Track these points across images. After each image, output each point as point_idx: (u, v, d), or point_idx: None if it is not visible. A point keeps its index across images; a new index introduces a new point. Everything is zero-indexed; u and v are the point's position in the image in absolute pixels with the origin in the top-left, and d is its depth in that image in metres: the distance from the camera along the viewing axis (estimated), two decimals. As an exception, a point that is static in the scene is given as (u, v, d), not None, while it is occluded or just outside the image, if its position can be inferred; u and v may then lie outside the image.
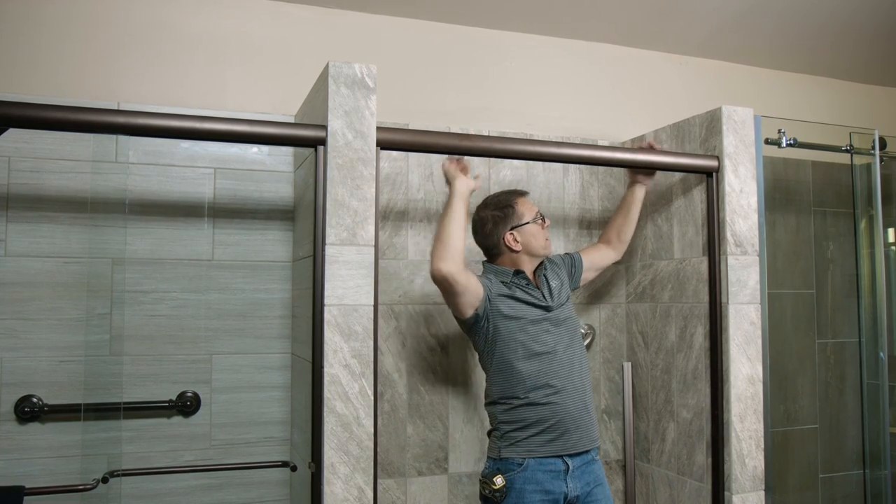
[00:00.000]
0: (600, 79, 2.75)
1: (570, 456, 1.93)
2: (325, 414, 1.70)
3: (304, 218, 2.04)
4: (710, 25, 2.65)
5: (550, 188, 2.55)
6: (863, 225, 2.76)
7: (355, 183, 1.77)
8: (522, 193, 2.11)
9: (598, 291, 2.59)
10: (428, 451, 2.32)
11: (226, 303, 2.16)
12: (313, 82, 2.02)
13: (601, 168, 2.60)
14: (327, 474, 1.69)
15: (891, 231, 2.84)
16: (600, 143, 2.63)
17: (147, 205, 2.11)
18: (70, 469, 1.99)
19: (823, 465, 2.81)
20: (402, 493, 2.27)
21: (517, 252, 2.04)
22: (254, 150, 2.22)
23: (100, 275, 2.05)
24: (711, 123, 2.22)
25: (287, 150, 2.24)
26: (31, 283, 1.99)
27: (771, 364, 2.28)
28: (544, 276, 2.07)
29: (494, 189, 2.35)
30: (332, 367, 1.72)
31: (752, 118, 2.22)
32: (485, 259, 2.10)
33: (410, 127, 2.22)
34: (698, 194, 2.25)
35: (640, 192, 2.28)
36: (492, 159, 2.44)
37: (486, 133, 2.45)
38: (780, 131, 2.47)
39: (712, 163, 2.17)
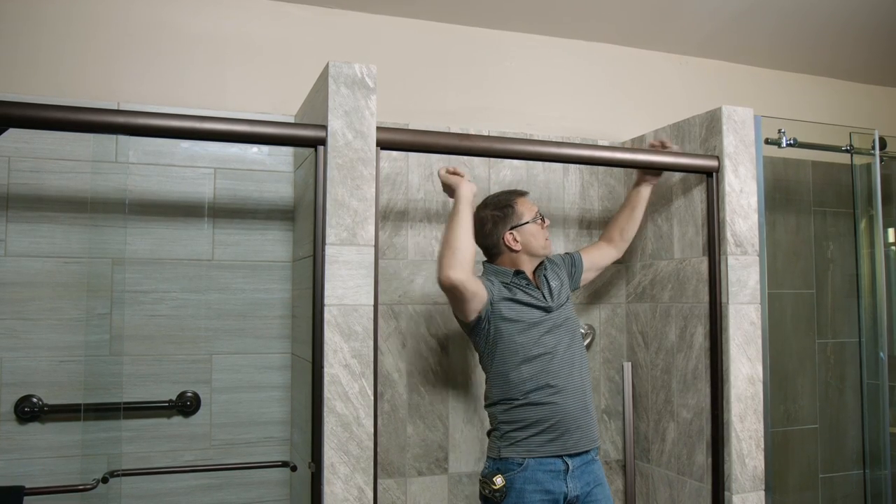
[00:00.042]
0: (600, 79, 2.75)
1: (570, 456, 1.93)
2: (325, 414, 1.70)
3: (304, 218, 2.04)
4: (710, 25, 2.65)
5: (550, 188, 2.55)
6: (863, 225, 2.76)
7: (355, 183, 1.77)
8: (522, 193, 2.11)
9: (598, 291, 2.59)
10: (428, 451, 2.32)
11: (226, 303, 2.16)
12: (313, 82, 2.02)
13: (601, 168, 2.60)
14: (327, 474, 1.69)
15: (891, 231, 2.84)
16: (600, 143, 2.63)
17: (147, 205, 2.11)
18: (70, 469, 1.99)
19: (823, 465, 2.81)
20: (402, 493, 2.27)
21: (517, 252, 2.04)
22: (254, 150, 2.22)
23: (100, 275, 2.05)
24: (711, 123, 2.22)
25: (287, 150, 2.25)
26: (31, 283, 1.99)
27: (771, 364, 2.28)
28: (544, 276, 2.07)
29: (494, 189, 2.35)
30: (332, 367, 1.72)
31: (752, 118, 2.22)
32: (485, 259, 2.10)
33: (410, 127, 2.22)
34: (698, 194, 2.25)
35: (645, 192, 2.28)
36: (492, 159, 2.44)
37: (486, 133, 2.45)
38: (780, 131, 2.47)
39: (712, 163, 2.17)
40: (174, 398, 2.09)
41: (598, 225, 2.59)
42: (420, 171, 2.37)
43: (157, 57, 2.20)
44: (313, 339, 1.74)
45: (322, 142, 1.77)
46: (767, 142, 2.39)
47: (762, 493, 2.13)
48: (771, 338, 2.27)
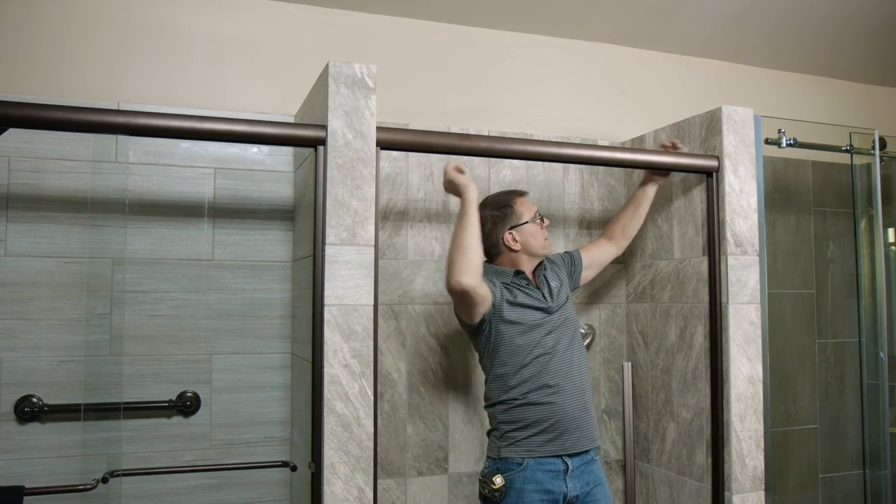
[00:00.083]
0: (600, 79, 2.75)
1: (570, 456, 1.93)
2: (325, 414, 1.70)
3: (304, 218, 2.04)
4: (710, 25, 2.65)
5: (550, 188, 2.55)
6: (863, 225, 2.76)
7: (355, 183, 1.77)
8: (521, 193, 2.11)
9: (598, 291, 2.59)
10: (428, 451, 2.32)
11: (226, 303, 2.16)
12: (313, 82, 2.02)
13: (601, 168, 2.60)
14: (327, 474, 1.69)
15: (891, 231, 2.84)
16: (600, 143, 2.63)
17: (147, 205, 2.11)
18: (70, 469, 1.99)
19: (823, 465, 2.81)
20: (402, 493, 2.27)
21: (516, 252, 2.04)
22: (254, 150, 2.22)
23: (100, 275, 2.05)
24: (711, 123, 2.22)
25: (287, 150, 2.25)
26: (31, 283, 1.99)
27: (771, 364, 2.28)
28: (544, 276, 2.07)
29: (494, 189, 2.35)
30: (332, 367, 1.72)
31: (752, 118, 2.22)
32: (484, 259, 2.10)
33: (410, 127, 2.22)
34: (698, 194, 2.25)
35: (651, 191, 2.28)
36: (492, 159, 2.44)
37: (486, 133, 2.45)
38: (780, 131, 2.47)
39: (712, 163, 2.17)
40: (174, 398, 2.09)
41: (598, 225, 2.59)
42: (420, 171, 2.37)
43: (157, 57, 2.20)
44: (313, 339, 1.74)
45: (322, 142, 1.77)
46: (767, 142, 2.40)
47: (762, 493, 2.13)
48: (771, 338, 2.27)
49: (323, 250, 1.74)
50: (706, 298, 2.19)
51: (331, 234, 1.74)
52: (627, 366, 2.55)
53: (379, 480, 2.08)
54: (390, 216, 2.33)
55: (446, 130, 2.34)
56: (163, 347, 2.09)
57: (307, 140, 1.77)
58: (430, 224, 2.37)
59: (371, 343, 1.76)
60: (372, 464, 1.74)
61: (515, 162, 2.48)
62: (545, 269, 2.09)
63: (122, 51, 2.17)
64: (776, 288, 2.75)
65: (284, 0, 2.35)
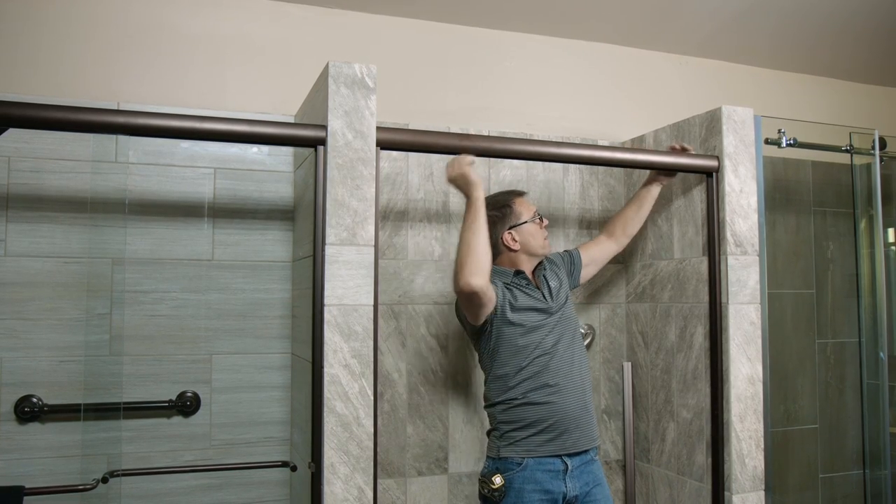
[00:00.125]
0: (600, 79, 2.75)
1: (569, 455, 1.93)
2: (325, 414, 1.70)
3: (304, 218, 2.04)
4: (710, 25, 2.66)
5: (550, 188, 2.55)
6: (863, 225, 2.76)
7: (355, 183, 1.77)
8: (520, 193, 2.11)
9: (598, 291, 2.59)
10: (428, 451, 2.32)
11: (226, 303, 2.16)
12: (313, 82, 2.02)
13: (601, 168, 2.60)
14: (327, 474, 1.70)
15: (891, 231, 2.84)
16: (600, 143, 2.63)
17: (147, 205, 2.11)
18: (70, 469, 1.99)
19: (823, 465, 2.81)
20: (402, 493, 2.27)
21: (515, 252, 2.04)
22: (254, 150, 2.22)
23: (100, 275, 2.05)
24: (711, 123, 2.22)
25: (287, 150, 2.25)
26: (31, 283, 1.99)
27: (771, 364, 2.28)
28: (543, 276, 2.07)
29: (494, 189, 2.35)
30: (332, 367, 1.72)
31: (752, 118, 2.22)
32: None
33: (410, 127, 2.22)
34: (698, 194, 2.25)
35: (655, 191, 2.28)
36: (492, 159, 2.44)
37: (486, 133, 2.45)
38: (780, 131, 2.47)
39: (712, 163, 2.17)
40: (174, 398, 2.09)
41: (597, 225, 2.58)
42: (420, 171, 2.37)
43: (157, 57, 2.20)
44: (313, 339, 1.74)
45: (322, 142, 1.77)
46: (767, 142, 2.40)
47: (762, 493, 2.13)
48: (771, 338, 2.27)
49: (323, 250, 1.74)
50: (706, 298, 2.19)
51: (331, 234, 1.74)
52: (627, 366, 2.55)
53: (379, 480, 2.08)
54: (390, 216, 2.33)
55: (446, 130, 2.34)
56: (163, 347, 2.09)
57: (307, 140, 1.77)
58: (430, 224, 2.37)
59: (371, 343, 1.76)
60: (372, 464, 1.74)
61: (515, 162, 2.48)
62: (545, 268, 2.09)
63: (122, 51, 2.17)
64: (776, 288, 2.75)
65: (284, 0, 2.35)
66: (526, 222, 2.04)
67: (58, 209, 2.02)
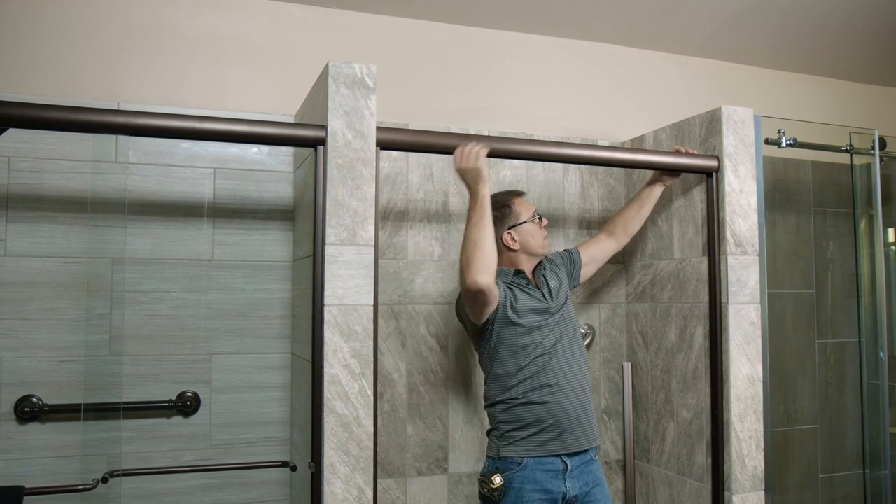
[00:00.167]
0: (600, 79, 2.75)
1: (569, 455, 1.93)
2: (325, 414, 1.71)
3: (304, 218, 2.04)
4: (710, 25, 2.66)
5: (550, 188, 2.55)
6: (863, 225, 2.76)
7: (355, 183, 1.77)
8: (519, 193, 2.11)
9: (598, 291, 2.59)
10: (428, 451, 2.32)
11: (226, 303, 2.16)
12: (313, 82, 2.02)
13: (601, 168, 2.60)
14: (327, 474, 1.70)
15: (891, 231, 2.84)
16: (600, 143, 2.63)
17: (147, 205, 2.11)
18: (70, 469, 1.99)
19: (823, 465, 2.81)
20: (402, 493, 2.27)
21: (515, 251, 2.04)
22: (254, 150, 2.22)
23: (100, 275, 2.05)
24: (711, 123, 2.22)
25: (287, 150, 2.25)
26: (31, 283, 1.99)
27: (771, 364, 2.28)
28: (543, 276, 2.07)
29: (494, 189, 2.34)
30: (332, 367, 1.72)
31: (752, 118, 2.22)
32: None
33: (410, 127, 2.22)
34: (698, 194, 2.25)
35: (658, 191, 2.28)
36: (492, 159, 2.42)
37: (486, 133, 2.45)
38: (780, 131, 2.47)
39: (712, 163, 2.17)
40: (174, 398, 2.09)
41: (597, 225, 2.58)
42: (420, 171, 2.37)
43: (157, 57, 2.20)
44: (313, 339, 1.74)
45: (322, 142, 1.77)
46: (767, 142, 2.40)
47: (762, 493, 2.13)
48: (771, 338, 2.27)
49: (323, 250, 1.74)
50: (706, 298, 2.19)
51: (331, 234, 1.74)
52: (627, 366, 2.55)
53: (379, 480, 2.08)
54: (390, 216, 2.33)
55: (446, 130, 2.34)
56: (163, 347, 2.09)
57: (307, 140, 1.77)
58: (430, 224, 2.37)
59: (371, 343, 1.76)
60: (372, 464, 1.74)
61: (515, 162, 2.48)
62: (544, 268, 2.09)
63: (122, 51, 2.17)
64: (776, 288, 2.75)
65: (284, 0, 2.35)
66: (525, 222, 2.04)
67: (58, 209, 2.02)
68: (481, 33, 2.59)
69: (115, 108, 2.07)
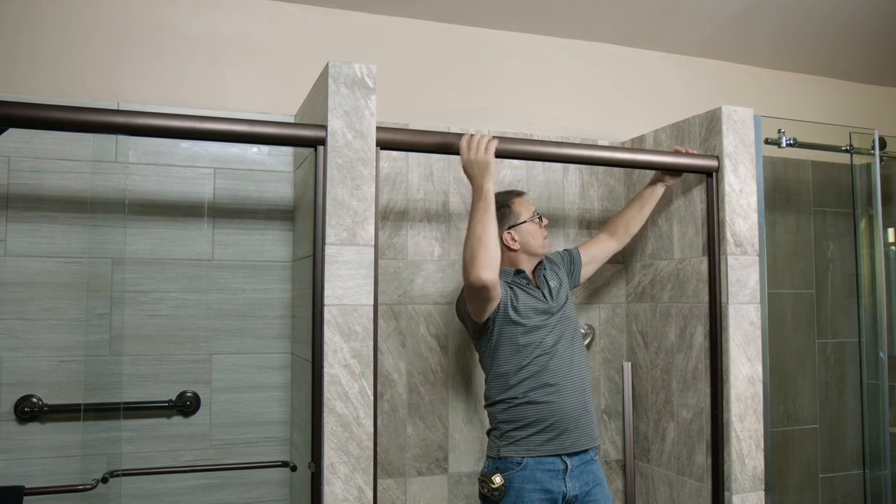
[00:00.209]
0: (600, 79, 2.75)
1: (569, 455, 1.93)
2: (325, 414, 1.71)
3: (304, 218, 2.04)
4: (710, 25, 2.66)
5: (550, 188, 2.55)
6: (863, 225, 2.76)
7: (355, 183, 1.77)
8: (519, 193, 2.12)
9: (598, 291, 2.59)
10: (428, 451, 2.32)
11: (226, 303, 2.16)
12: (313, 82, 2.02)
13: (601, 168, 2.60)
14: (327, 474, 1.70)
15: (891, 231, 2.84)
16: (600, 143, 2.63)
17: (147, 205, 2.11)
18: (70, 469, 1.99)
19: (823, 465, 2.81)
20: (402, 493, 2.27)
21: (515, 251, 2.04)
22: (254, 150, 2.22)
23: (100, 275, 2.05)
24: (711, 123, 2.22)
25: (287, 150, 2.25)
26: (31, 283, 1.99)
27: (771, 364, 2.28)
28: (543, 275, 2.07)
29: (494, 189, 2.35)
30: (332, 367, 1.72)
31: (752, 118, 2.22)
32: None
33: (410, 127, 2.22)
34: (698, 194, 2.25)
35: (660, 191, 2.27)
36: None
37: (486, 133, 2.45)
38: (780, 131, 2.47)
39: (712, 163, 2.17)
40: (174, 398, 2.09)
41: (597, 225, 2.58)
42: (420, 171, 2.37)
43: (157, 57, 2.20)
44: (313, 339, 1.74)
45: (322, 142, 1.77)
46: (767, 142, 2.40)
47: (762, 493, 2.13)
48: (771, 338, 2.27)
49: (323, 250, 1.74)
50: (706, 298, 2.19)
51: (331, 234, 1.74)
52: (627, 366, 2.55)
53: (379, 480, 2.08)
54: (390, 216, 2.33)
55: (446, 130, 2.34)
56: (163, 347, 2.09)
57: (307, 140, 1.77)
58: (430, 224, 2.37)
59: (371, 343, 1.76)
60: (372, 464, 1.74)
61: (515, 162, 2.48)
62: (545, 268, 2.09)
63: (122, 51, 2.17)
64: (776, 288, 2.75)
65: (284, 0, 2.35)
66: (525, 222, 2.04)
67: (58, 209, 2.02)
68: (481, 33, 2.59)
69: (115, 108, 2.07)
